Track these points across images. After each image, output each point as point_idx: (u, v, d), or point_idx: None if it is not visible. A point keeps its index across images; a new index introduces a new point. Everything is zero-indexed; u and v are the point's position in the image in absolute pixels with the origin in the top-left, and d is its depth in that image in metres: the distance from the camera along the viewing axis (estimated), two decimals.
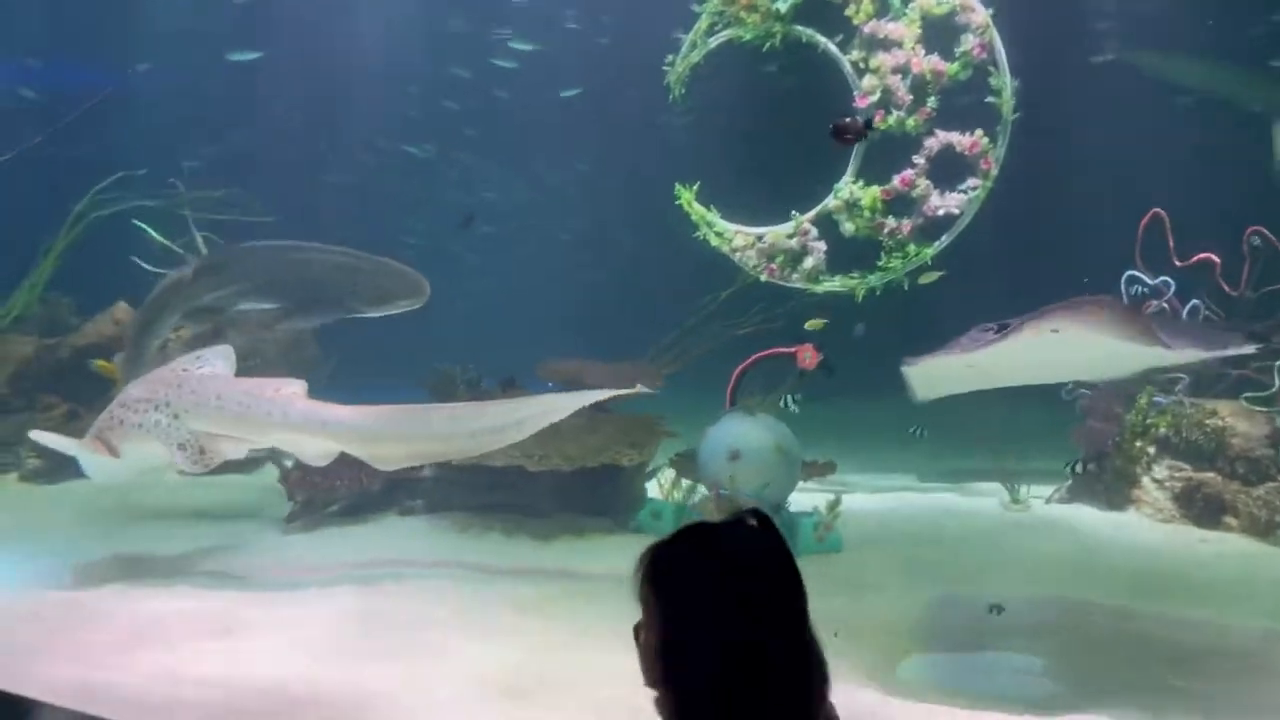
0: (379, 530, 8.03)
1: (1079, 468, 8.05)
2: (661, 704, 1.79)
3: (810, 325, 9.58)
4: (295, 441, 6.56)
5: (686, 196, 9.72)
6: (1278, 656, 5.41)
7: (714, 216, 9.70)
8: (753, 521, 1.81)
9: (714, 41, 9.70)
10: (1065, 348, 5.60)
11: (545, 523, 7.69)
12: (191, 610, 5.89)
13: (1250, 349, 6.20)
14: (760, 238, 9.57)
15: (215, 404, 6.57)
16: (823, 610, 1.79)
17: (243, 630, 5.56)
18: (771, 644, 1.72)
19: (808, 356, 8.20)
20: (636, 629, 1.81)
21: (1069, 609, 6.08)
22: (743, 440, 7.80)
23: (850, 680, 4.76)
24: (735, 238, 9.65)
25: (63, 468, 8.56)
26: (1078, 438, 8.54)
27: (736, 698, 1.71)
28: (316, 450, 6.53)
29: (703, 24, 9.71)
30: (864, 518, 8.10)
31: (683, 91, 9.86)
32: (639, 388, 7.02)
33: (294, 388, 6.63)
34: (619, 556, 6.38)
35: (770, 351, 8.68)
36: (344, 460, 6.74)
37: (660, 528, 7.79)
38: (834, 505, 7.60)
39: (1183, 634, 5.56)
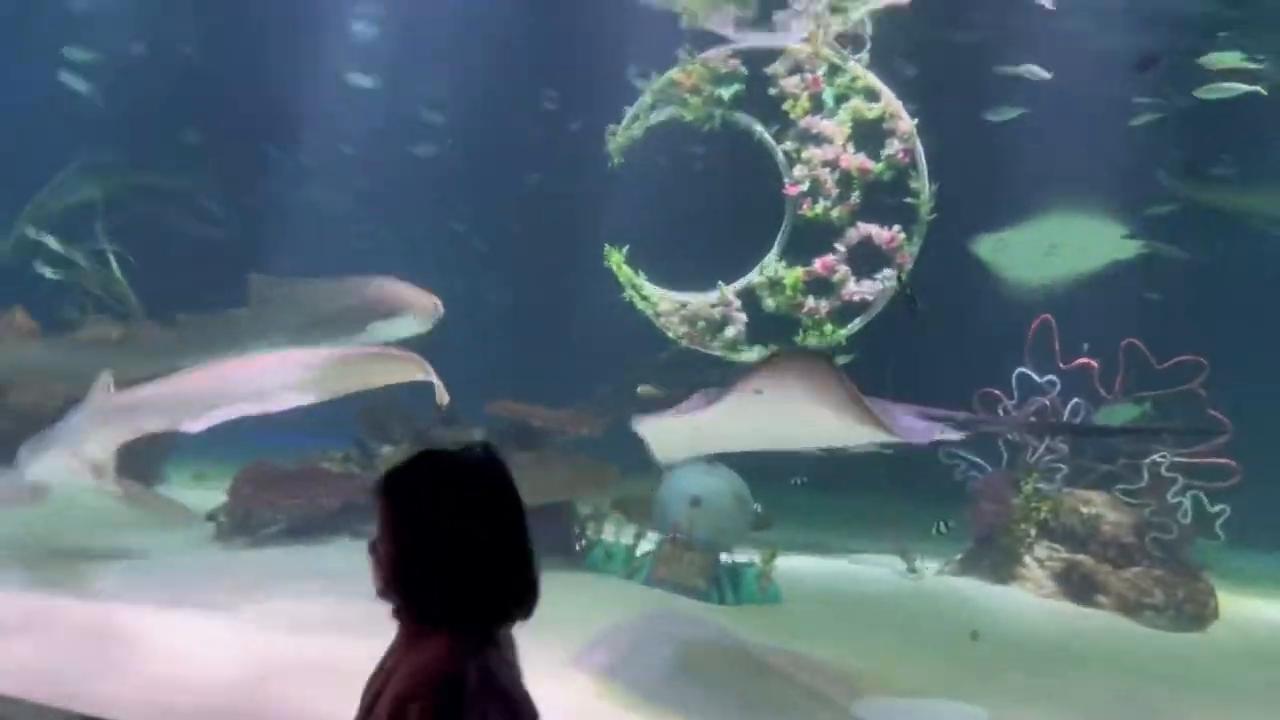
0: (319, 554, 7.83)
1: (943, 528, 8.49)
2: (399, 612, 2.02)
3: (642, 392, 9.99)
4: None
5: (616, 258, 10.15)
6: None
7: (640, 280, 10.15)
8: (479, 450, 2.05)
9: (656, 118, 10.30)
10: (772, 411, 5.47)
11: None
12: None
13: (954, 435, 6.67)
14: (684, 304, 10.06)
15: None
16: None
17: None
18: (494, 541, 1.98)
19: None
20: (372, 545, 2.04)
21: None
22: (704, 488, 8.09)
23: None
24: (660, 302, 10.12)
25: None
26: (971, 516, 9.17)
27: (462, 587, 1.96)
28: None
29: (647, 100, 10.31)
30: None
31: (621, 160, 10.39)
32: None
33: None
34: (573, 595, 6.55)
35: None
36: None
37: (612, 568, 7.97)
38: (770, 557, 7.88)
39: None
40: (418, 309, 8.55)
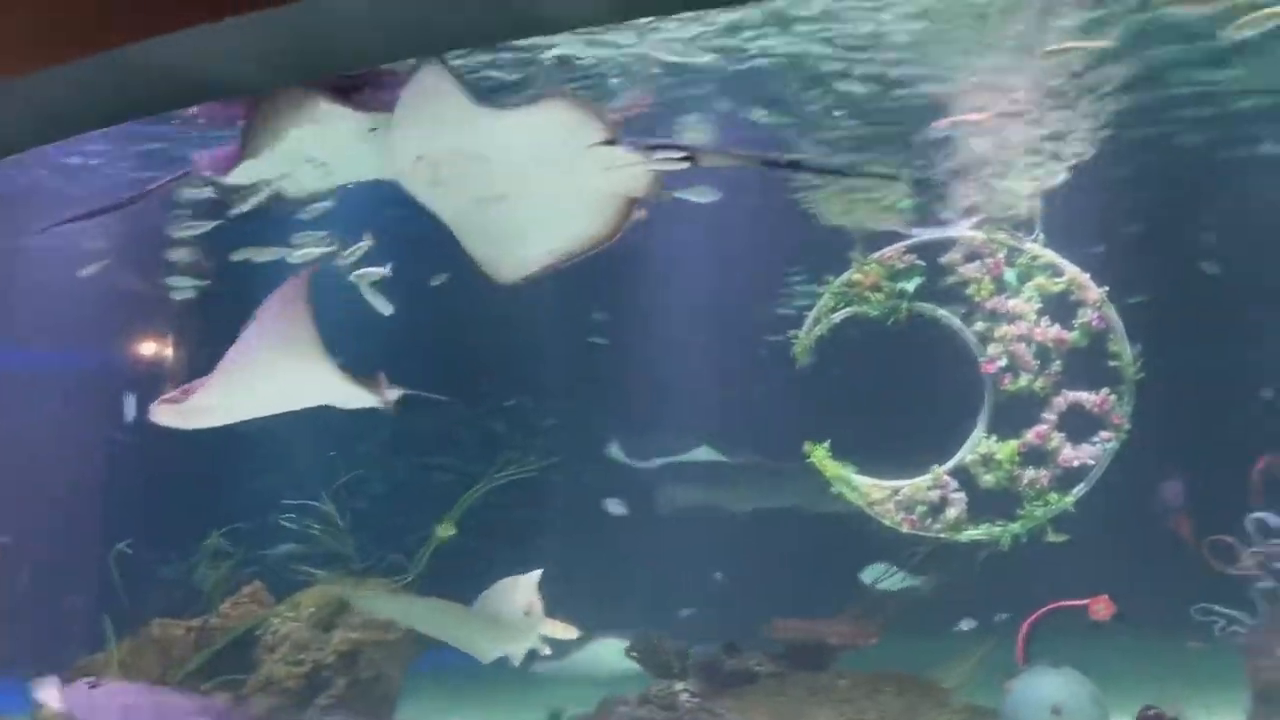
0: None
1: None
2: None
3: (442, 532, 9.80)
4: None
5: (819, 454, 10.46)
6: None
7: (848, 472, 10.41)
8: None
9: (838, 317, 10.83)
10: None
11: None
12: None
13: None
14: (896, 490, 10.27)
15: None
16: None
17: None
18: None
19: (1101, 608, 8.45)
20: None
21: None
22: (1065, 695, 7.92)
23: None
24: (871, 491, 10.33)
25: None
26: (1248, 673, 8.91)
27: None
28: None
29: (827, 302, 10.88)
30: None
31: (808, 360, 10.87)
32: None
33: None
34: None
35: (1063, 604, 8.86)
36: None
37: None
38: None
39: None
40: None
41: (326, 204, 6.78)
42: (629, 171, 4.27)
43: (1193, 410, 11.93)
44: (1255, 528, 9.28)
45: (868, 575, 9.18)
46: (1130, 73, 9.49)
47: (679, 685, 8.64)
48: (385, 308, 7.43)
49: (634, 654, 9.22)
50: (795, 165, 4.20)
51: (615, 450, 12.12)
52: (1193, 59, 8.98)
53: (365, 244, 7.15)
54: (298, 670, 9.21)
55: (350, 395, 5.53)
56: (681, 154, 4.12)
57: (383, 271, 7.22)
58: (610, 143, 4.11)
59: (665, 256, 13.60)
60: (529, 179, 4.29)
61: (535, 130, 3.99)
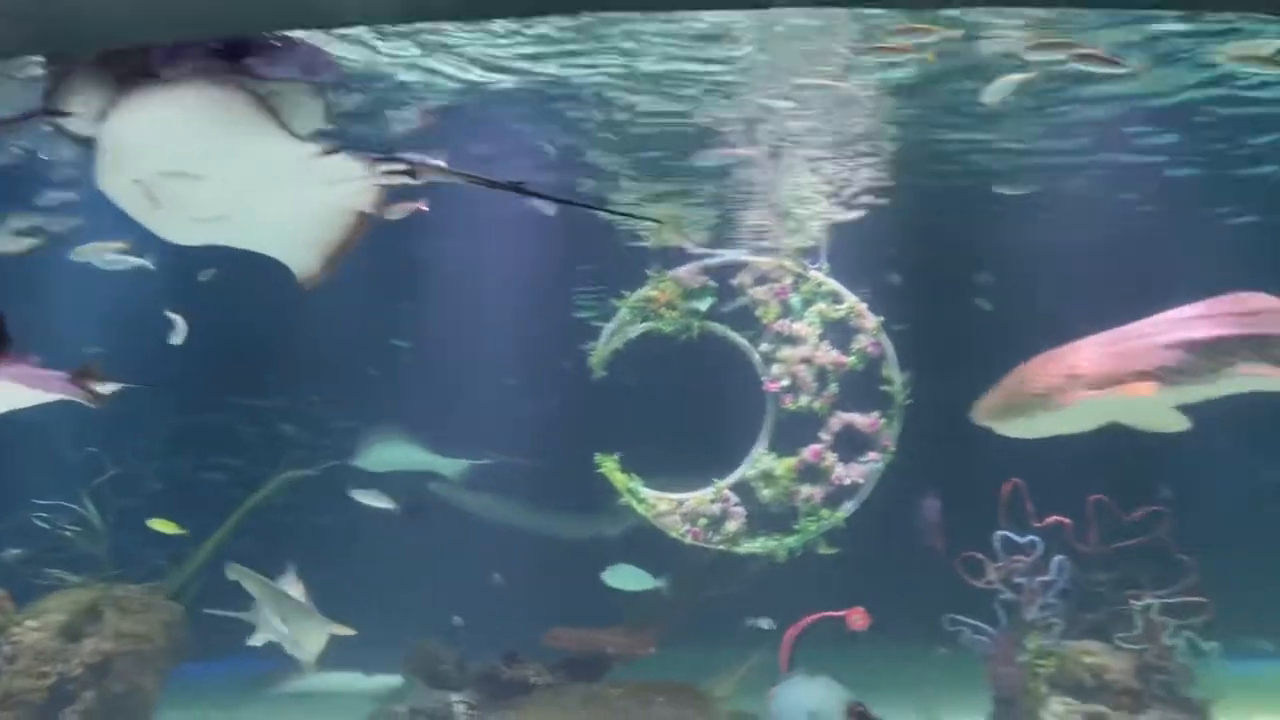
0: None
1: None
2: None
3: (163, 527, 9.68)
4: None
5: (609, 465, 10.63)
6: None
7: (636, 484, 10.62)
8: None
9: (634, 332, 11.04)
10: None
11: None
12: None
13: None
14: (681, 503, 10.55)
15: None
16: None
17: None
18: None
19: (857, 619, 8.81)
20: None
21: None
22: (821, 702, 8.17)
23: None
24: (658, 503, 10.58)
25: None
26: (989, 679, 9.65)
27: None
28: None
29: (625, 315, 11.07)
30: None
31: (604, 372, 11.03)
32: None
33: None
34: None
35: (820, 615, 9.16)
36: None
37: None
38: None
39: None
40: None
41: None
42: (353, 185, 4.20)
43: (951, 435, 12.86)
44: (1001, 544, 10.05)
45: (611, 578, 9.40)
46: (911, 116, 10.14)
47: (455, 697, 8.55)
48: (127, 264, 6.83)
49: (408, 664, 9.05)
50: (518, 189, 4.16)
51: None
52: (962, 111, 9.65)
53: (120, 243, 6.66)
54: (41, 683, 8.56)
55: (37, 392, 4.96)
56: (403, 168, 4.08)
57: (119, 245, 6.73)
58: (333, 152, 4.03)
59: (472, 263, 13.51)
60: (247, 196, 4.14)
61: (251, 144, 3.86)
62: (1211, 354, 5.08)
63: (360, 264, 5.24)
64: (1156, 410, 5.33)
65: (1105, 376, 5.02)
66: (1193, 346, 5.09)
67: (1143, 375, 5.00)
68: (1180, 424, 5.39)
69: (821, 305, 10.43)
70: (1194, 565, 9.49)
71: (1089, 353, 5.37)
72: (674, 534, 10.39)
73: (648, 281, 10.91)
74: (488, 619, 9.87)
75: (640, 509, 10.50)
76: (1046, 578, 9.74)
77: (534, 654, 9.04)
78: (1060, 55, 7.68)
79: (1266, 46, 7.57)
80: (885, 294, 10.56)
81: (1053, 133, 10.46)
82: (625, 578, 9.59)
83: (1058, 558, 9.87)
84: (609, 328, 11.04)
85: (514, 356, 14.69)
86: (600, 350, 10.99)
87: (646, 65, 8.59)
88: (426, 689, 8.86)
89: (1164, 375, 5.03)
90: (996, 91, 8.20)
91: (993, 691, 9.58)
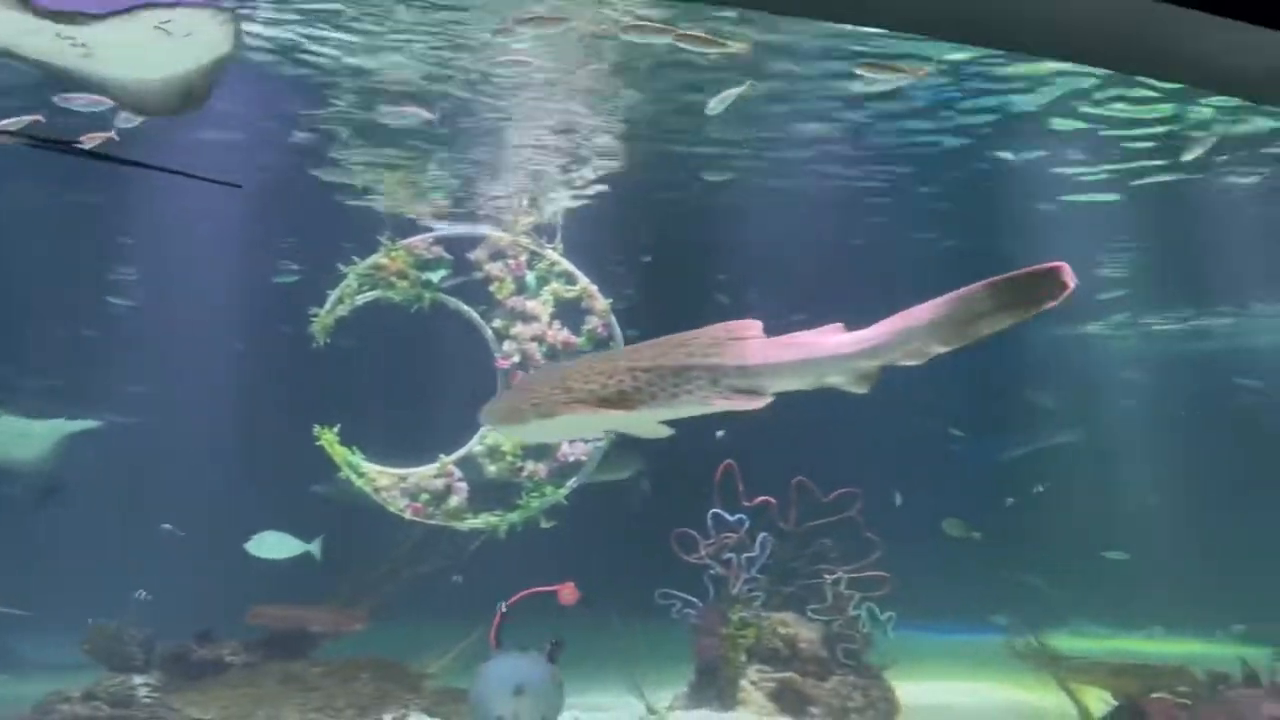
0: None
1: None
2: None
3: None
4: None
5: (328, 437, 10.25)
6: None
7: (356, 458, 10.30)
8: None
9: (361, 300, 10.66)
10: None
11: None
12: None
13: None
14: (404, 478, 10.33)
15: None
16: None
17: None
18: None
19: (567, 594, 8.80)
20: None
21: None
22: (526, 676, 8.08)
23: None
24: (379, 478, 10.30)
25: None
26: (694, 650, 10.07)
27: None
28: None
29: (352, 283, 10.67)
30: None
31: (327, 340, 10.60)
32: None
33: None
34: None
35: (532, 590, 9.06)
36: None
37: None
38: None
39: None
40: None
41: None
42: None
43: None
44: (713, 522, 10.54)
45: (256, 548, 9.16)
46: (655, 111, 10.38)
47: (138, 679, 7.98)
48: None
49: (87, 646, 8.35)
50: (69, 149, 3.82)
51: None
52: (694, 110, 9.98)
53: None
54: None
55: None
56: None
57: None
58: None
59: (196, 224, 12.62)
60: None
61: None
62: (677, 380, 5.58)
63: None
64: (643, 424, 5.88)
65: (590, 394, 5.49)
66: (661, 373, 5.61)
67: (622, 397, 5.47)
68: (666, 431, 5.96)
69: (555, 285, 10.50)
70: (879, 543, 10.37)
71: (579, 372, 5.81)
72: (393, 509, 10.18)
73: (379, 249, 10.61)
74: (188, 598, 9.25)
75: (360, 483, 10.20)
76: (751, 554, 10.36)
77: (236, 633, 8.59)
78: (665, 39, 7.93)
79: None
80: (613, 277, 10.77)
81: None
82: (271, 546, 9.29)
83: (762, 535, 10.50)
84: (334, 294, 10.63)
85: (239, 322, 13.92)
86: (324, 317, 10.56)
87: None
88: (109, 670, 8.22)
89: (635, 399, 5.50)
90: (720, 102, 8.68)
91: (696, 662, 10.05)
